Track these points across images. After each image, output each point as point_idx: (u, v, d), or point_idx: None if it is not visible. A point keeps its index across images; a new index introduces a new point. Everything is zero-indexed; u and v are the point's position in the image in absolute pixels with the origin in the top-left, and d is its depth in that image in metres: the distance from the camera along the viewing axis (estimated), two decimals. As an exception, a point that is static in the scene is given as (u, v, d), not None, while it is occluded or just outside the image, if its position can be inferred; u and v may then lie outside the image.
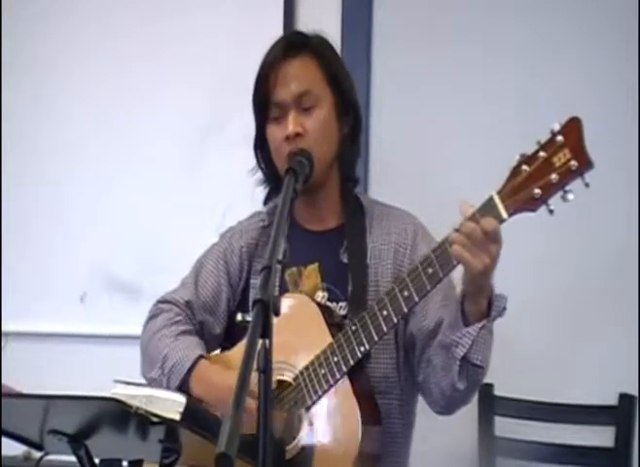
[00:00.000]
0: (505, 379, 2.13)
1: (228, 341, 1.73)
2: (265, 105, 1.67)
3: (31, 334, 2.52)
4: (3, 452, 2.43)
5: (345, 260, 1.67)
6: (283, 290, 1.68)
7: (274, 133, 1.66)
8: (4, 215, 2.56)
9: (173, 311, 1.74)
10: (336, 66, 1.70)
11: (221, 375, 1.60)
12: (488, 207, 1.40)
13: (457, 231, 1.41)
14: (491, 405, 2.14)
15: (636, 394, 2.10)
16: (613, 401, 2.10)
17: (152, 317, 1.77)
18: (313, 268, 1.68)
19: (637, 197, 2.10)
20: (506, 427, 2.14)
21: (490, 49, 2.23)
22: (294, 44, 1.68)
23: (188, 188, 2.44)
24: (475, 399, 2.08)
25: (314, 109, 1.65)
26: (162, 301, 1.78)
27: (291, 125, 1.63)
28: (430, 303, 1.58)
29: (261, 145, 1.72)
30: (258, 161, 1.74)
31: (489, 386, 2.14)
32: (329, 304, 1.66)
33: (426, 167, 2.22)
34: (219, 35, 2.41)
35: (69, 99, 2.53)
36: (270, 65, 1.67)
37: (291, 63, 1.66)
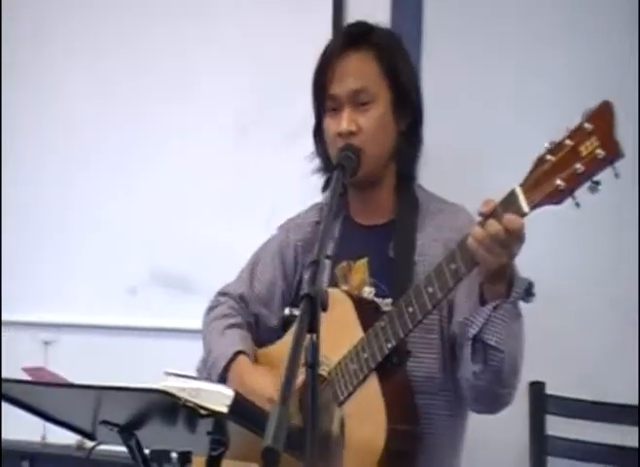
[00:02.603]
0: (557, 378, 2.10)
1: (284, 334, 1.73)
2: (321, 97, 1.67)
3: (83, 326, 2.55)
4: (57, 441, 2.49)
5: (393, 255, 1.66)
6: (333, 284, 1.68)
7: (329, 126, 1.66)
8: (55, 209, 2.60)
9: (227, 304, 1.78)
10: (397, 61, 1.67)
11: (253, 376, 1.62)
12: (510, 201, 1.34)
13: (480, 225, 1.37)
14: (542, 403, 2.11)
15: (691, 394, 2.05)
16: (668, 401, 2.05)
17: (209, 309, 1.81)
18: (362, 262, 1.68)
19: (637, 196, 2.03)
20: (557, 426, 2.11)
21: (544, 37, 2.19)
22: (355, 37, 1.66)
23: (236, 184, 2.45)
24: (525, 397, 2.08)
25: (370, 106, 1.63)
26: (221, 292, 1.82)
27: (345, 122, 1.62)
28: (472, 299, 1.54)
29: (319, 133, 1.71)
30: (316, 149, 1.73)
31: (540, 385, 2.11)
32: (376, 299, 1.65)
33: (477, 156, 2.20)
34: (264, 29, 2.40)
35: (122, 93, 2.54)
36: (329, 58, 1.66)
37: (350, 57, 1.65)
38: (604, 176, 1.27)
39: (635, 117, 2.04)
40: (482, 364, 1.46)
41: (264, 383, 1.58)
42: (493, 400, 1.54)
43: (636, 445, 2.05)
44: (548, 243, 2.08)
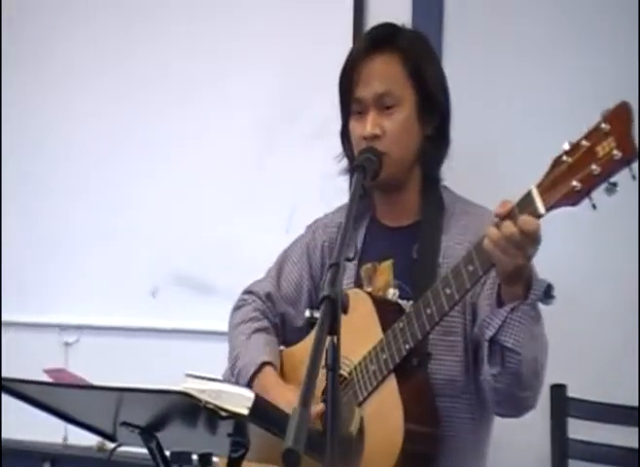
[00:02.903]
0: (578, 381, 2.08)
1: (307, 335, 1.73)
2: (347, 100, 1.67)
3: (104, 328, 2.56)
4: (78, 442, 2.50)
5: (417, 257, 1.65)
6: (357, 286, 1.68)
7: (355, 129, 1.66)
8: (77, 211, 2.61)
9: (253, 305, 1.78)
10: (423, 64, 1.65)
11: (278, 391, 1.62)
12: (526, 202, 1.33)
13: (496, 226, 1.36)
14: (564, 406, 2.09)
15: None
16: (691, 405, 2.03)
17: (235, 309, 1.82)
18: (387, 264, 1.68)
19: (637, 196, 2.01)
20: (579, 429, 2.09)
21: (563, 38, 2.18)
22: (380, 39, 1.66)
23: (257, 185, 2.45)
24: (547, 400, 2.07)
25: (395, 109, 1.63)
26: (247, 291, 1.82)
27: (369, 125, 1.62)
28: (491, 301, 1.53)
29: (346, 135, 1.71)
30: (344, 150, 1.73)
31: (562, 387, 2.09)
32: (399, 301, 1.64)
33: (494, 157, 2.19)
34: (287, 31, 2.40)
35: (135, 98, 2.55)
36: (355, 61, 1.66)
37: (375, 60, 1.64)
38: (622, 177, 1.26)
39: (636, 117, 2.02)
40: (500, 366, 1.45)
41: (289, 398, 1.57)
42: (515, 403, 1.52)
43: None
44: (564, 244, 2.07)
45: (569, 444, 2.09)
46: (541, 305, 1.46)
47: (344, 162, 1.75)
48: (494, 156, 2.20)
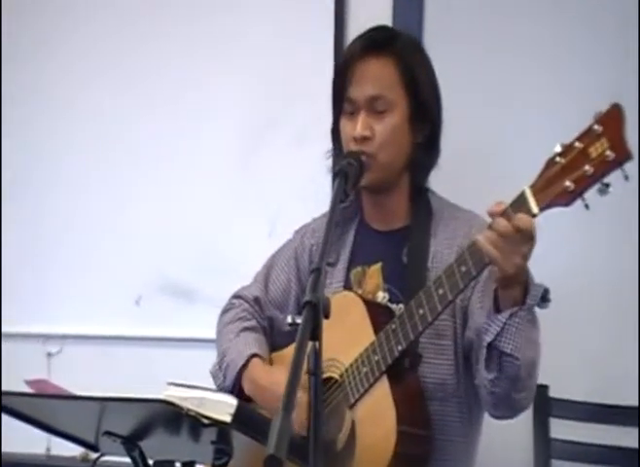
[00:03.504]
0: (560, 381, 2.10)
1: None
2: (339, 98, 1.67)
3: (88, 337, 2.55)
4: (61, 453, 2.49)
5: (406, 261, 1.65)
6: (347, 289, 1.68)
7: (345, 128, 1.66)
8: (59, 220, 2.60)
9: (242, 307, 1.78)
10: (417, 71, 1.65)
11: (270, 376, 1.62)
12: (520, 202, 1.35)
13: (489, 227, 1.37)
14: (546, 407, 2.11)
15: (695, 396, 2.04)
16: (672, 403, 2.05)
17: (223, 312, 1.82)
18: (377, 268, 1.68)
19: (637, 196, 2.03)
20: (561, 429, 2.11)
21: (546, 37, 2.19)
22: (376, 42, 1.65)
23: (240, 191, 2.44)
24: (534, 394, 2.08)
25: (386, 114, 1.63)
26: (235, 296, 1.82)
27: (359, 127, 1.62)
28: (486, 304, 1.53)
29: (336, 133, 1.71)
30: (334, 148, 1.73)
31: (544, 388, 2.11)
32: (389, 305, 1.65)
33: (480, 158, 2.20)
34: (272, 34, 2.40)
35: (121, 101, 2.54)
36: (350, 60, 1.65)
37: (370, 63, 1.64)
38: (618, 179, 1.27)
39: (635, 117, 2.04)
40: (497, 371, 1.46)
41: (280, 381, 1.57)
42: (511, 405, 1.53)
43: (638, 446, 2.05)
44: (551, 245, 2.08)
45: (552, 443, 2.10)
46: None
47: (331, 161, 1.75)
48: (484, 158, 2.21)
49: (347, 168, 1.56)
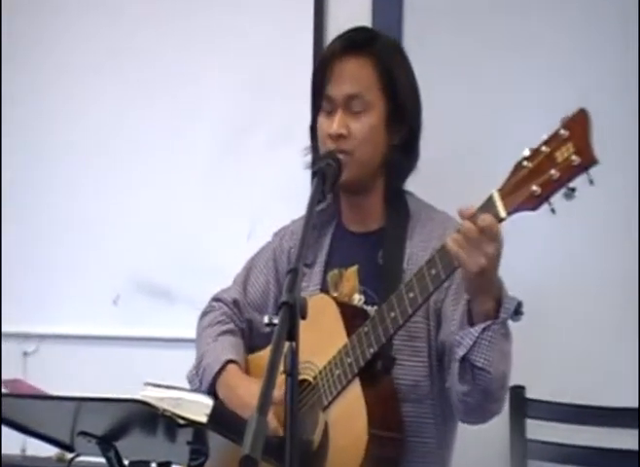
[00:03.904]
0: (537, 382, 2.11)
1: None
2: (318, 95, 1.68)
3: (64, 336, 2.53)
4: (37, 453, 2.47)
5: (382, 263, 1.66)
6: (324, 292, 1.68)
7: (322, 125, 1.67)
8: (36, 218, 2.58)
9: (221, 310, 1.78)
10: (396, 73, 1.66)
11: (245, 384, 1.62)
12: (488, 206, 1.36)
13: (458, 230, 1.38)
14: (523, 407, 2.12)
15: (670, 397, 2.06)
16: (647, 403, 2.07)
17: (203, 315, 1.82)
18: (353, 270, 1.68)
19: (637, 196, 2.05)
20: (537, 430, 2.12)
21: (523, 45, 2.20)
22: (356, 42, 1.66)
23: (219, 192, 2.44)
24: (506, 401, 2.09)
25: (363, 114, 1.63)
26: (215, 298, 1.82)
27: (336, 124, 1.63)
28: (460, 307, 1.54)
29: (314, 130, 1.71)
30: (311, 145, 1.73)
31: (521, 389, 2.12)
32: (365, 307, 1.65)
33: (456, 164, 2.21)
34: (248, 39, 2.40)
35: (99, 98, 2.52)
36: (329, 58, 1.66)
37: (349, 61, 1.64)
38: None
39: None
40: (470, 384, 1.47)
41: (253, 391, 1.57)
42: (482, 414, 1.55)
43: (618, 446, 2.07)
44: (529, 246, 2.10)
45: (528, 444, 2.12)
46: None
47: (310, 157, 1.75)
48: (464, 158, 2.22)
49: (325, 169, 1.56)
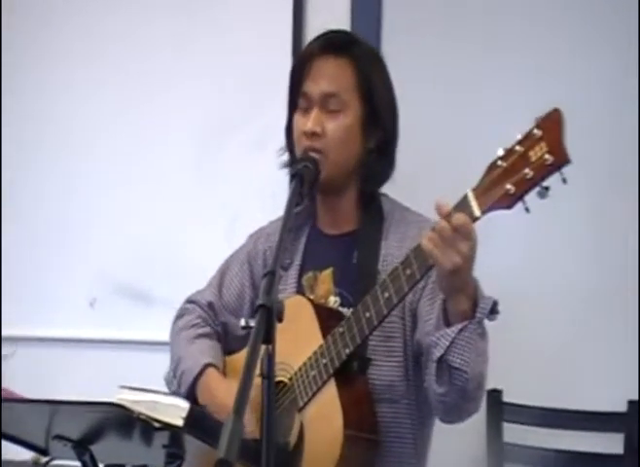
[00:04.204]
0: (514, 386, 2.12)
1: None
2: (295, 93, 1.68)
3: (41, 339, 2.52)
4: (12, 458, 2.45)
5: (357, 265, 1.65)
6: (299, 295, 1.68)
7: (297, 123, 1.67)
8: (12, 219, 2.56)
9: (196, 313, 1.77)
10: (374, 78, 1.66)
11: (224, 386, 1.61)
12: (463, 205, 1.37)
13: (432, 229, 1.39)
14: (500, 411, 2.13)
15: (645, 401, 2.08)
16: (622, 408, 2.09)
17: (177, 318, 1.80)
18: (328, 273, 1.68)
19: (637, 196, 2.07)
20: (514, 434, 2.13)
21: (500, 46, 2.22)
22: (336, 43, 1.67)
23: (198, 193, 2.44)
24: (483, 405, 2.09)
25: (339, 114, 1.63)
26: (189, 300, 1.81)
27: (311, 122, 1.62)
28: (436, 307, 1.54)
29: (290, 129, 1.71)
30: (287, 144, 1.73)
31: (498, 392, 2.13)
32: (341, 309, 1.65)
33: (433, 165, 2.22)
34: (228, 40, 2.40)
35: (74, 99, 2.52)
36: (308, 56, 1.66)
37: (328, 61, 1.65)
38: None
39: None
40: (447, 385, 1.47)
41: (234, 393, 1.56)
42: (460, 413, 1.55)
43: (594, 450, 2.08)
44: (505, 249, 2.11)
45: (505, 448, 2.13)
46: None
47: (286, 156, 1.74)
48: (442, 158, 2.23)
49: (303, 171, 1.56)
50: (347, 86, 1.64)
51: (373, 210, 1.70)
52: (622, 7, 2.11)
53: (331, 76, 1.64)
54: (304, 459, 1.53)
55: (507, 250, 2.13)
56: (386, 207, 1.71)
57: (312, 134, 1.62)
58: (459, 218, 1.36)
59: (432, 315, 1.55)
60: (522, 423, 2.12)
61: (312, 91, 1.64)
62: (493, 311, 1.44)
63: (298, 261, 1.71)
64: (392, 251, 1.64)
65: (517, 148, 1.30)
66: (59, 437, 1.36)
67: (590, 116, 2.10)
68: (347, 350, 1.51)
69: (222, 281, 1.78)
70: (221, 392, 1.61)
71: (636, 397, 2.08)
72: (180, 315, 1.80)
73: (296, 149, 1.67)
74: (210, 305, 1.77)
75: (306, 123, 1.63)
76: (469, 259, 1.38)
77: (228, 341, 1.76)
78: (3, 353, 2.54)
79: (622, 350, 2.11)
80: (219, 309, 1.77)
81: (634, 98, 2.08)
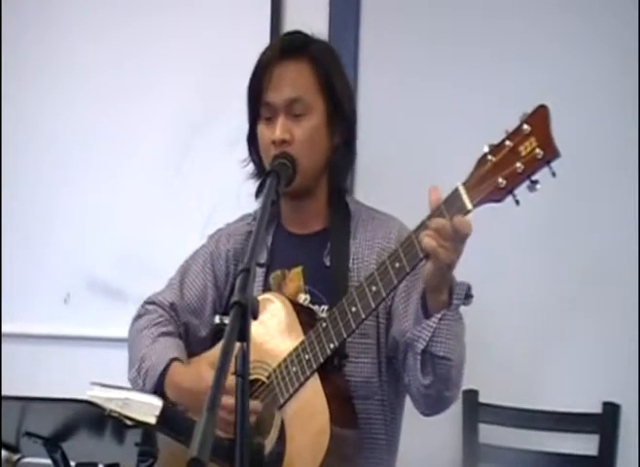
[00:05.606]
0: (489, 387, 2.12)
1: (214, 343, 1.72)
2: (256, 103, 1.67)
3: (14, 335, 2.49)
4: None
5: (328, 263, 1.66)
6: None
7: (263, 133, 1.66)
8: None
9: (157, 313, 1.75)
10: (333, 74, 1.67)
11: (192, 379, 1.59)
12: (453, 198, 1.38)
13: (426, 225, 1.40)
14: (475, 412, 2.13)
15: (620, 402, 2.09)
16: (597, 409, 2.09)
17: (137, 318, 1.78)
18: (297, 271, 1.68)
19: (637, 196, 2.08)
20: (490, 434, 2.13)
21: (482, 48, 2.22)
22: (292, 46, 1.67)
23: (173, 190, 2.43)
24: (459, 405, 2.10)
25: (304, 117, 1.64)
26: (149, 301, 1.79)
27: (278, 130, 1.62)
28: (411, 304, 1.57)
29: (253, 140, 1.71)
30: (250, 154, 1.73)
31: (474, 393, 2.13)
32: (311, 306, 1.65)
33: (414, 171, 2.21)
34: (205, 38, 2.40)
35: (53, 100, 2.51)
36: (266, 65, 1.66)
37: (287, 66, 1.65)
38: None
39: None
40: (432, 375, 1.48)
41: (202, 375, 1.55)
42: (442, 403, 1.56)
43: (569, 451, 2.09)
44: (476, 248, 2.11)
45: (481, 448, 2.13)
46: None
47: (251, 167, 1.75)
48: (413, 166, 2.23)
49: (280, 168, 1.55)
50: (309, 88, 1.65)
51: (340, 209, 1.71)
52: (622, 7, 2.12)
53: (292, 81, 1.65)
54: (287, 456, 1.53)
55: (481, 250, 2.12)
56: (351, 206, 1.73)
57: (282, 142, 1.62)
58: (462, 222, 1.37)
59: (407, 313, 1.56)
60: (498, 424, 2.12)
61: (276, 100, 1.64)
62: (467, 296, 1.46)
63: (263, 260, 1.70)
64: (362, 250, 1.66)
65: (507, 143, 1.33)
66: (30, 434, 1.34)
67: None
68: (332, 345, 1.51)
69: (183, 282, 1.77)
70: (187, 383, 1.59)
71: (611, 398, 2.09)
72: (139, 316, 1.77)
73: (264, 159, 1.67)
74: (172, 305, 1.76)
75: (274, 131, 1.63)
76: (461, 254, 1.41)
77: (189, 343, 1.75)
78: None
79: (599, 352, 2.12)
80: (181, 310, 1.76)
81: (634, 98, 2.09)
